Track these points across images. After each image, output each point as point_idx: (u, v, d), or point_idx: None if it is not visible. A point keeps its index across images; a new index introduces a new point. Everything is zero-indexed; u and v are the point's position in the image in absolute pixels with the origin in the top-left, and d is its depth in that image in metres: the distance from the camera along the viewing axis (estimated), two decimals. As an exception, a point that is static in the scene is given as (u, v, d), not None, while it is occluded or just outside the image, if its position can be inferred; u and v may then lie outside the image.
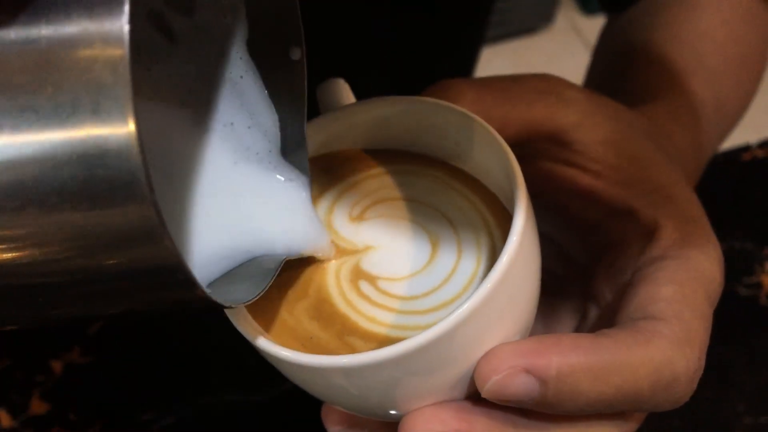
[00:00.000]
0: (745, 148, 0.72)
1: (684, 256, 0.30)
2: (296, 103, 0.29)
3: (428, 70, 0.55)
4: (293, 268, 0.30)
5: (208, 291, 0.20)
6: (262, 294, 0.25)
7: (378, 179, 0.33)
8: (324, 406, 0.30)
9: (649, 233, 0.31)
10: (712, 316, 0.29)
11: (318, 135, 0.33)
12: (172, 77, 0.27)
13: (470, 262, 0.29)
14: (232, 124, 0.29)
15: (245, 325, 0.27)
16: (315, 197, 0.32)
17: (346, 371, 0.26)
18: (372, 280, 0.29)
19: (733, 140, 0.77)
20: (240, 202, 0.27)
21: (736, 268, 0.64)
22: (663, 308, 0.28)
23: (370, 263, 0.30)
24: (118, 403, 0.57)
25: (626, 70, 0.51)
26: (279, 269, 0.26)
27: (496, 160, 0.30)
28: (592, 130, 0.32)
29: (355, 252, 0.30)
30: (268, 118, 0.29)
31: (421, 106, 0.32)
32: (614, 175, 0.32)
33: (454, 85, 0.32)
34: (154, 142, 0.26)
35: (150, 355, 0.59)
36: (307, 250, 0.28)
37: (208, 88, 0.29)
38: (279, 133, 0.29)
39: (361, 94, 0.35)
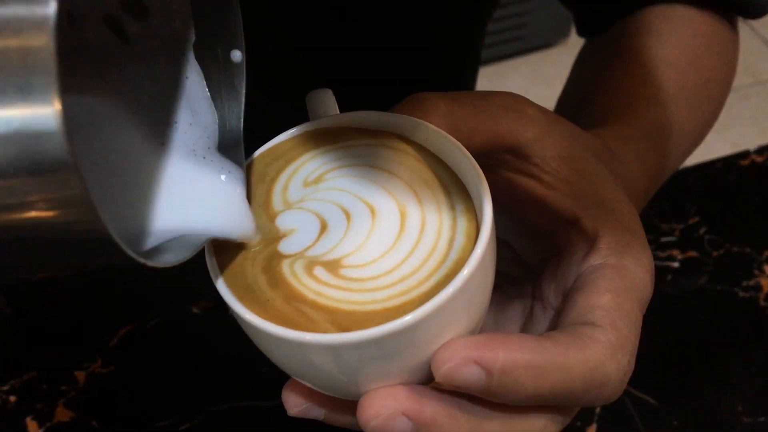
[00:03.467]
0: (744, 154, 0.73)
1: (621, 266, 0.33)
2: (235, 102, 0.32)
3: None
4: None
5: (129, 250, 0.22)
6: (182, 261, 0.27)
7: (343, 150, 0.35)
8: (289, 381, 0.33)
9: (591, 242, 0.34)
10: (645, 320, 0.32)
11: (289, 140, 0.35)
12: (125, 80, 0.30)
13: (431, 235, 0.31)
14: (175, 122, 0.31)
15: (213, 266, 0.31)
16: (277, 171, 0.34)
17: (328, 349, 0.28)
18: (333, 264, 0.31)
19: (735, 147, 0.78)
20: (177, 191, 0.30)
21: (735, 271, 0.66)
22: (600, 316, 0.31)
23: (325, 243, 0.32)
24: (137, 411, 0.59)
25: (589, 94, 0.53)
26: (202, 246, 0.29)
27: (467, 174, 0.32)
28: (549, 146, 0.35)
29: (281, 233, 0.32)
30: (208, 116, 0.32)
31: (397, 121, 0.34)
32: (564, 187, 0.35)
33: (428, 99, 0.34)
34: (105, 137, 0.28)
35: (166, 366, 0.62)
36: (233, 237, 0.30)
37: (156, 88, 0.31)
38: (218, 131, 0.32)
39: (352, 107, 0.37)
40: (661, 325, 0.64)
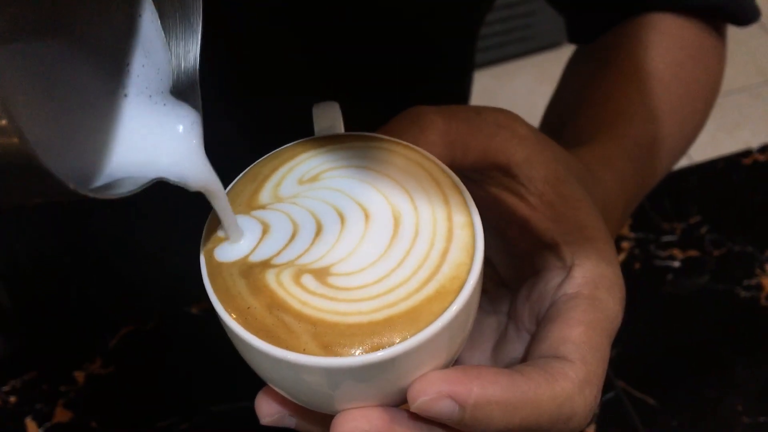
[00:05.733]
0: (747, 153, 0.73)
1: (594, 297, 0.34)
2: (192, 41, 0.31)
3: (422, 95, 0.58)
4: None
5: (60, 177, 0.21)
6: (124, 194, 0.26)
7: (340, 152, 0.34)
8: (262, 391, 0.33)
9: (567, 268, 0.36)
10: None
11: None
12: (79, 21, 0.29)
13: (424, 244, 0.31)
14: (128, 64, 0.30)
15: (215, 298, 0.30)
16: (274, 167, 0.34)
17: (302, 368, 0.28)
18: (321, 272, 0.30)
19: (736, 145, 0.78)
20: (130, 135, 0.29)
21: (736, 270, 0.65)
22: (571, 350, 0.32)
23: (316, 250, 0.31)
24: (136, 411, 0.60)
25: (575, 108, 0.54)
26: (148, 184, 0.28)
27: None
28: (537, 168, 0.35)
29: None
30: (162, 57, 0.30)
31: (386, 145, 0.34)
32: (547, 210, 0.36)
33: (425, 114, 0.35)
34: (59, 80, 0.27)
35: (165, 366, 0.62)
36: (188, 183, 0.29)
37: (110, 29, 0.30)
38: (172, 72, 0.31)
39: (356, 115, 0.38)
40: (661, 324, 0.63)
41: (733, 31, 0.59)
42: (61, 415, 0.59)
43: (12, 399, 0.60)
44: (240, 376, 0.61)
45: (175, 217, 0.63)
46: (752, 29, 0.59)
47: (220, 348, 0.62)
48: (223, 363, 0.62)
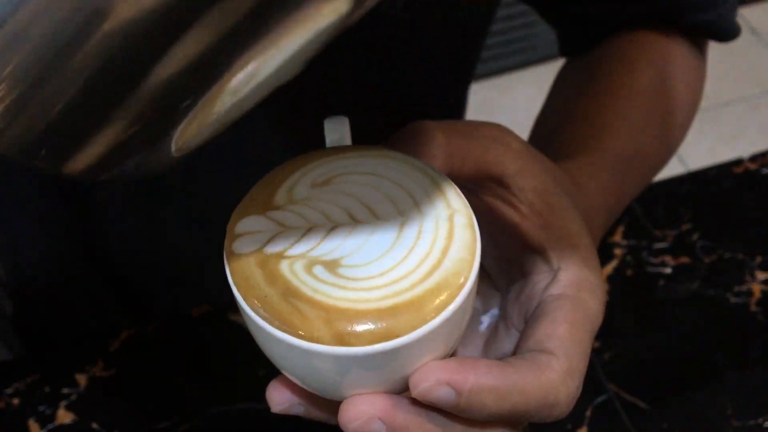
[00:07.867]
0: (738, 162, 0.74)
1: (578, 298, 0.37)
2: None
3: (421, 107, 0.61)
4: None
5: None
6: None
7: (346, 160, 0.37)
8: (274, 381, 0.35)
9: (553, 272, 0.38)
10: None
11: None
12: None
13: (427, 242, 0.33)
14: None
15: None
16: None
17: (314, 355, 0.31)
18: (332, 264, 0.33)
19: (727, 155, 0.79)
20: None
21: (727, 277, 0.66)
22: (556, 345, 0.35)
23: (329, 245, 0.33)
24: (137, 413, 0.61)
25: (562, 120, 0.58)
26: None
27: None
28: (528, 179, 0.38)
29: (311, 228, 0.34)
30: None
31: (391, 154, 0.36)
32: (536, 219, 0.39)
33: (427, 129, 0.37)
34: None
35: (166, 369, 0.63)
36: None
37: None
38: None
39: (363, 128, 0.41)
40: (653, 329, 0.64)
41: (731, 43, 0.61)
42: (64, 416, 0.60)
43: (15, 401, 0.61)
44: (239, 379, 0.62)
45: (177, 223, 0.64)
46: (750, 41, 0.61)
47: (220, 351, 0.64)
48: (223, 366, 0.63)
